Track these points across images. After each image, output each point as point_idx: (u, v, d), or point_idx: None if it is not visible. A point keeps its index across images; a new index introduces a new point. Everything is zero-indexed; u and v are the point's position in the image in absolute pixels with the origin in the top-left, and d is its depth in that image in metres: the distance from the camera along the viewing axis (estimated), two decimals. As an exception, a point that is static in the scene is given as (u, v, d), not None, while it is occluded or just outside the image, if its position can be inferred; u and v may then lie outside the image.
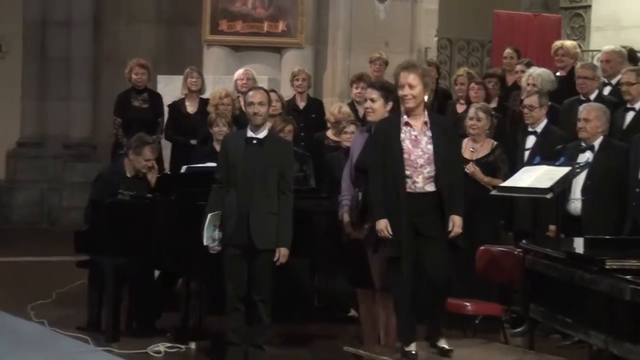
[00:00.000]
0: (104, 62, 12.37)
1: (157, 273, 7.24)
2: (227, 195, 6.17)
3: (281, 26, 10.43)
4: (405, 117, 5.64)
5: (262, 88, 6.65)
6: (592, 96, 7.87)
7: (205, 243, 6.11)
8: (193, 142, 8.68)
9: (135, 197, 6.92)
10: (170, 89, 9.74)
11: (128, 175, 7.23)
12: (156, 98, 9.39)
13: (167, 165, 8.88)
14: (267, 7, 10.42)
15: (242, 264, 6.14)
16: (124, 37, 12.15)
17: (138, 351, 6.56)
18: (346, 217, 5.94)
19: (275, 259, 6.09)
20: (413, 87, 5.61)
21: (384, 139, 5.63)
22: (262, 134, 6.24)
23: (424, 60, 10.66)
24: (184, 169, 7.62)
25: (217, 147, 7.87)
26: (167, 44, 12.18)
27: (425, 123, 5.66)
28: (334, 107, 8.51)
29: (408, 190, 5.52)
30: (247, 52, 10.46)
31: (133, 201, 6.89)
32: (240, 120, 8.14)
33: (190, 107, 9.05)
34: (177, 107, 9.15)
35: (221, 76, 10.07)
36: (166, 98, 9.44)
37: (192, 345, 6.69)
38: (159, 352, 6.57)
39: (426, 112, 5.72)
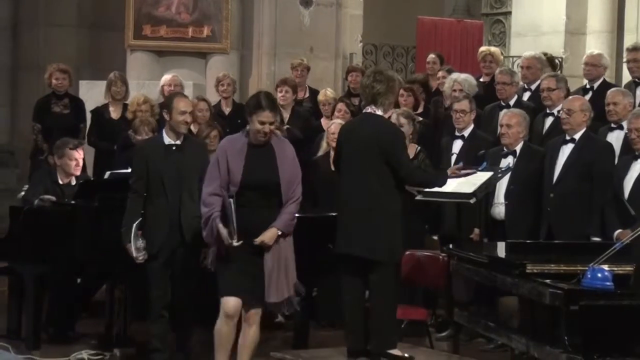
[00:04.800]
0: (23, 68, 12.14)
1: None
2: (150, 204, 6.11)
3: (206, 31, 10.39)
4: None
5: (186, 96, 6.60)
6: (512, 101, 7.99)
7: (134, 254, 6.03)
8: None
9: (56, 204, 6.83)
10: (93, 94, 9.64)
11: (60, 182, 7.20)
12: (77, 103, 9.26)
13: (90, 171, 8.77)
14: (191, 12, 10.36)
15: (167, 271, 6.10)
16: (44, 43, 11.94)
17: (60, 359, 6.46)
18: (222, 228, 5.61)
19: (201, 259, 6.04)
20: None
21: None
22: (179, 140, 6.18)
23: (347, 65, 10.73)
24: (107, 174, 7.53)
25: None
26: (89, 49, 12.01)
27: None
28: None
29: None
30: (171, 58, 10.41)
31: (53, 207, 6.79)
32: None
33: (114, 113, 8.94)
34: (100, 112, 9.03)
35: (145, 81, 9.99)
36: (89, 103, 9.33)
37: (116, 352, 6.61)
38: (82, 359, 6.49)
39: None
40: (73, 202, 6.92)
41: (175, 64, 10.31)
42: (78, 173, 7.30)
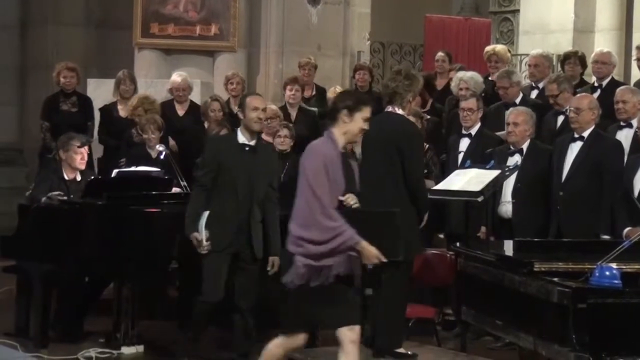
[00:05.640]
0: (31, 67, 12.14)
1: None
2: (217, 200, 6.05)
3: (214, 29, 10.37)
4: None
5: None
6: (517, 100, 7.97)
7: (203, 244, 5.98)
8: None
9: (64, 202, 6.84)
10: (101, 92, 9.64)
11: (66, 177, 7.19)
12: (86, 101, 9.28)
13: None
14: (199, 10, 10.35)
15: (225, 271, 6.06)
16: (52, 41, 11.93)
17: (68, 357, 6.46)
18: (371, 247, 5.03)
19: (269, 267, 6.06)
20: None
21: None
22: (253, 141, 6.15)
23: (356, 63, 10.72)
24: (114, 173, 7.54)
25: (151, 152, 7.90)
26: (97, 48, 12.00)
27: None
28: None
29: None
30: (179, 56, 10.39)
31: (61, 206, 6.80)
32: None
33: (123, 111, 8.96)
34: (108, 110, 9.06)
35: (153, 80, 9.99)
36: (97, 101, 9.35)
37: (124, 350, 6.61)
38: (89, 357, 6.49)
39: None
40: (81, 200, 6.92)
41: (182, 62, 10.30)
42: (83, 167, 7.31)
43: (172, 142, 8.51)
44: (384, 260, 5.02)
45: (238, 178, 6.03)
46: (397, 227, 5.23)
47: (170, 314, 7.23)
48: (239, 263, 6.11)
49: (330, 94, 9.14)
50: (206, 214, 6.01)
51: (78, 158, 7.24)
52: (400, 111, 6.11)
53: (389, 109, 6.14)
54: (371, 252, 4.96)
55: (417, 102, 8.56)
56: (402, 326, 5.96)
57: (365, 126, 5.15)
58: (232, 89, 9.27)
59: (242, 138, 6.13)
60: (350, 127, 5.14)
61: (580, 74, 8.57)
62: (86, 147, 7.38)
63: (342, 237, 4.91)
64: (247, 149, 6.10)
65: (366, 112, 5.15)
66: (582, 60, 8.70)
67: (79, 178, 7.26)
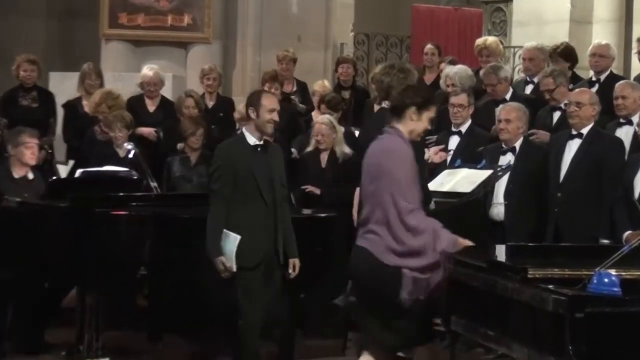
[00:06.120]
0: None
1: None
2: (241, 210, 5.90)
3: (186, 19, 10.34)
4: None
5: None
6: (507, 96, 7.97)
7: (233, 269, 5.81)
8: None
9: (22, 204, 6.78)
10: (64, 87, 9.61)
11: (15, 176, 7.14)
12: (47, 97, 9.24)
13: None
14: (171, -1, 10.33)
15: (262, 286, 5.94)
16: (11, 32, 11.87)
17: (28, 369, 6.45)
18: None
19: (291, 270, 6.00)
20: None
21: None
22: (262, 141, 6.05)
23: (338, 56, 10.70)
24: (79, 173, 7.48)
25: (118, 151, 7.86)
26: (60, 39, 11.95)
27: None
28: (241, 104, 8.51)
29: None
30: (149, 48, 10.35)
31: (20, 208, 6.74)
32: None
33: (88, 107, 8.88)
34: (73, 106, 9.01)
35: (121, 73, 9.96)
36: (60, 97, 9.29)
37: (88, 363, 6.59)
38: (51, 370, 6.48)
39: None
40: (42, 202, 6.88)
41: (153, 55, 10.26)
42: (33, 163, 7.28)
43: (147, 130, 8.47)
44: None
45: (261, 182, 5.94)
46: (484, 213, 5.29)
47: (139, 324, 7.20)
48: (266, 272, 6.00)
49: (318, 87, 9.12)
50: (237, 238, 5.82)
51: (28, 153, 7.19)
52: None
53: (384, 105, 6.14)
54: (464, 242, 5.23)
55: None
56: None
57: (430, 127, 5.31)
58: (209, 85, 9.24)
59: (252, 139, 6.01)
60: (416, 126, 5.26)
61: (570, 68, 8.54)
62: (36, 141, 7.31)
63: (433, 237, 5.14)
64: (259, 149, 6.02)
65: (433, 111, 5.28)
66: (569, 53, 8.64)
67: (30, 176, 7.21)
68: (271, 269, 5.96)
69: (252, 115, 5.99)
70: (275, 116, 6.01)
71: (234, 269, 5.80)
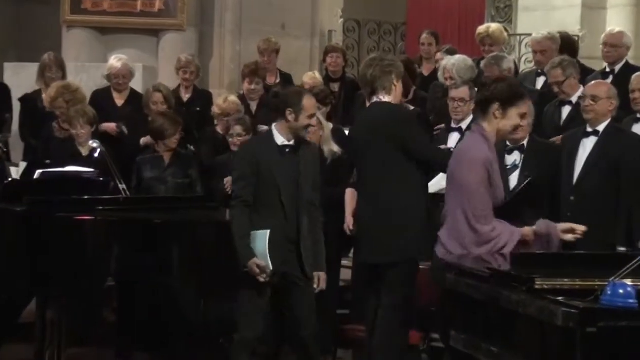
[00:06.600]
0: None
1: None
2: (260, 214, 5.98)
3: (158, 4, 10.35)
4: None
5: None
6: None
7: (267, 272, 5.90)
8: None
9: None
10: (21, 79, 9.62)
11: None
12: (2, 90, 9.21)
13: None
14: (141, -19, 10.33)
15: (267, 300, 6.04)
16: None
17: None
18: None
19: (316, 285, 6.04)
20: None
21: None
22: (293, 140, 6.09)
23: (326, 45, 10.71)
24: (38, 174, 7.47)
25: (81, 149, 7.86)
26: (16, 26, 11.94)
27: None
28: (220, 98, 8.54)
29: None
30: (116, 36, 10.37)
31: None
32: None
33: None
34: (31, 101, 9.01)
35: (85, 64, 9.97)
36: (17, 90, 9.28)
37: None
38: (6, 392, 6.49)
39: None
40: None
41: (121, 44, 10.27)
42: None
43: (109, 126, 8.48)
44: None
45: (282, 186, 5.98)
46: (540, 193, 5.55)
47: (106, 339, 7.19)
48: (288, 285, 6.06)
49: (308, 79, 9.13)
50: (266, 233, 5.91)
51: None
52: (387, 98, 6.16)
53: (374, 99, 6.19)
54: (530, 232, 5.35)
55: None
56: (401, 349, 6.23)
57: (523, 122, 5.37)
58: (185, 79, 9.24)
59: (280, 138, 6.06)
60: (502, 125, 5.30)
61: None
62: None
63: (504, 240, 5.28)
64: (287, 150, 6.05)
65: (523, 107, 5.29)
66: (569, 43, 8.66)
67: None
68: (291, 282, 6.02)
69: (290, 117, 6.02)
70: (313, 122, 6.14)
71: (271, 267, 5.88)
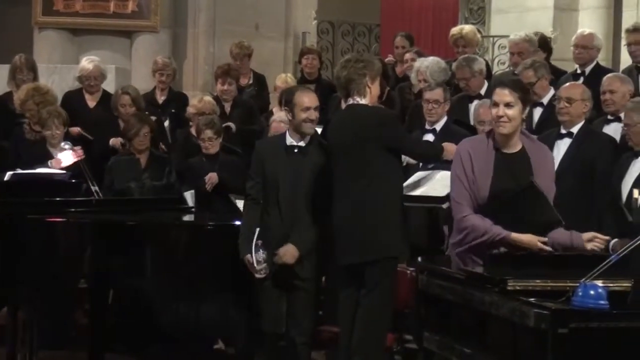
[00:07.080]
0: None
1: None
2: (265, 213, 6.14)
3: (131, 6, 10.33)
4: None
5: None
6: (482, 90, 8.03)
7: (256, 267, 6.05)
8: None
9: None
10: (-11, 80, 9.53)
11: None
12: (-30, 92, 9.16)
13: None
14: (113, -18, 10.30)
15: (282, 295, 6.18)
16: None
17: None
18: None
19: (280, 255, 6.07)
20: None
21: None
22: (304, 141, 6.16)
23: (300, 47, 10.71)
24: (8, 175, 7.43)
25: (52, 151, 7.82)
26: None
27: None
28: (195, 98, 8.54)
29: None
30: (89, 37, 10.35)
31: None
32: None
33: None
34: (2, 103, 8.94)
35: (57, 65, 9.92)
36: (-14, 92, 9.22)
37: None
38: (-23, 397, 6.45)
39: None
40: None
41: (93, 45, 10.25)
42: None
43: (74, 130, 8.45)
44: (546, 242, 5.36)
45: (281, 186, 6.09)
46: (544, 195, 5.43)
47: (79, 342, 7.15)
48: (286, 285, 6.16)
49: (280, 83, 9.11)
50: (256, 232, 6.07)
51: None
52: (363, 100, 6.14)
53: (350, 101, 6.17)
54: (530, 241, 5.34)
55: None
56: (380, 352, 6.20)
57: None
58: (162, 81, 9.22)
59: (289, 139, 6.16)
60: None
61: (546, 59, 8.59)
62: None
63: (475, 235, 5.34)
64: (295, 150, 6.13)
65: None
66: (544, 43, 8.69)
67: None
68: (289, 282, 6.12)
69: (288, 116, 6.20)
70: (311, 114, 6.14)
71: (255, 265, 6.03)
